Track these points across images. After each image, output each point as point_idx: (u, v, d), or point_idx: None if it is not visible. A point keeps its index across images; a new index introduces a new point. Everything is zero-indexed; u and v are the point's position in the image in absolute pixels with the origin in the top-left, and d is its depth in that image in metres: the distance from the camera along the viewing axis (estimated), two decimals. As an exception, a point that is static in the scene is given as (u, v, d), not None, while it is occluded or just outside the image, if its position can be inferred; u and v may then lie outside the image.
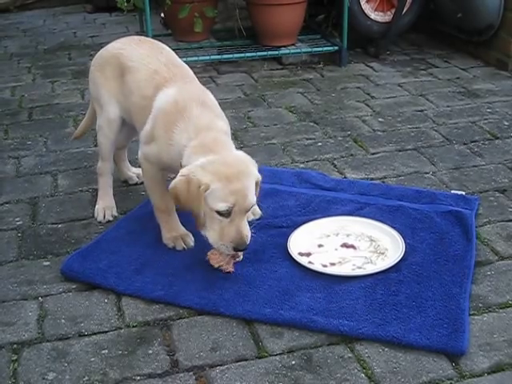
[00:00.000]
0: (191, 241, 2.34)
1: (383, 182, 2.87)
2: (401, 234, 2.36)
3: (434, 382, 1.77)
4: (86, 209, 2.69)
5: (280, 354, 1.88)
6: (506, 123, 3.46)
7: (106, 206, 2.61)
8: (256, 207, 2.50)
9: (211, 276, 2.17)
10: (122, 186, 2.87)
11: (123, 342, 1.94)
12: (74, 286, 2.20)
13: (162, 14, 4.83)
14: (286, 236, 2.37)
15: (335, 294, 2.08)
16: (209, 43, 4.65)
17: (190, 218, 2.17)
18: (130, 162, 2.92)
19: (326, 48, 4.48)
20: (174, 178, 2.09)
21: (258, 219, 2.49)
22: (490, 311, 2.03)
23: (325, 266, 2.23)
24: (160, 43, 2.57)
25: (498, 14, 4.16)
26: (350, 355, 1.87)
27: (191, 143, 2.12)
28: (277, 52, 4.44)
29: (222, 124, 2.22)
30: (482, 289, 2.14)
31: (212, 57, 4.41)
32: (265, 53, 4.44)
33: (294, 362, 1.85)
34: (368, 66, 4.48)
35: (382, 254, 2.30)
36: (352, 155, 3.13)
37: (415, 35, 5.00)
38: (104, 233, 2.47)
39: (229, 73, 4.39)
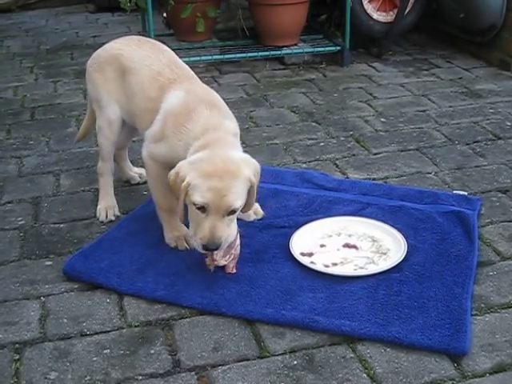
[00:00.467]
0: (193, 241, 2.35)
1: (385, 182, 2.86)
2: (403, 235, 2.36)
3: (435, 383, 1.76)
4: (88, 209, 2.69)
5: (282, 354, 1.88)
6: (509, 123, 3.45)
7: (107, 206, 2.62)
8: (258, 207, 2.51)
9: (213, 276, 2.17)
10: (124, 186, 2.87)
11: (125, 342, 1.94)
12: (76, 286, 2.20)
13: (164, 14, 4.83)
14: (288, 236, 2.37)
15: (337, 294, 2.08)
16: (211, 43, 4.65)
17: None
18: (131, 161, 2.92)
19: (328, 48, 4.48)
20: None
21: (260, 219, 2.50)
22: (492, 311, 2.03)
23: (327, 266, 2.23)
24: (160, 43, 2.57)
25: (500, 14, 4.16)
26: (351, 355, 1.87)
27: (196, 143, 2.14)
28: (279, 52, 4.44)
29: (229, 124, 2.24)
30: (484, 289, 2.13)
31: (214, 57, 4.40)
32: (267, 53, 4.43)
33: (295, 362, 1.85)
34: (370, 66, 4.48)
35: (384, 254, 2.30)
36: (354, 155, 3.13)
37: (417, 35, 5.00)
38: (106, 233, 2.47)
39: (231, 73, 4.39)
